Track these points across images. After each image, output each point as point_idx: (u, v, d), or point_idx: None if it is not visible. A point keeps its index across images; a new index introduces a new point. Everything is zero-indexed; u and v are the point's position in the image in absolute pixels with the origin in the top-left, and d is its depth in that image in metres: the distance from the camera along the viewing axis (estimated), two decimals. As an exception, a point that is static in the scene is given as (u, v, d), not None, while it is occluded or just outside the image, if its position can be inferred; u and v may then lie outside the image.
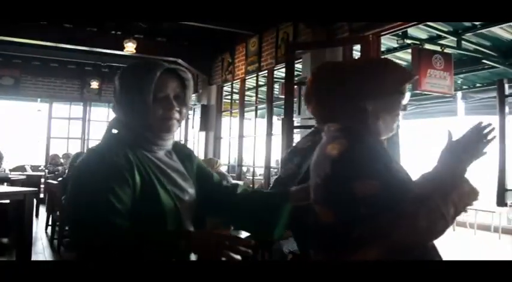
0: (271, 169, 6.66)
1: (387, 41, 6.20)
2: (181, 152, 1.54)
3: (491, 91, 7.80)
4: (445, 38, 6.04)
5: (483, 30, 5.77)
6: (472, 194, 1.19)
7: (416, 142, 10.61)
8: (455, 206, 1.15)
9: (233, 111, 8.08)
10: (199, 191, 1.51)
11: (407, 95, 1.40)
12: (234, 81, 7.81)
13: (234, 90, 8.03)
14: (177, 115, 1.38)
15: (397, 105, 1.37)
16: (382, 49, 5.91)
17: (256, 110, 7.95)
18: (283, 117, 4.34)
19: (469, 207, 1.21)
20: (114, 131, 1.41)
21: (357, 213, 1.19)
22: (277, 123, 6.69)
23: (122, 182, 1.26)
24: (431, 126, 11.35)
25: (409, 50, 6.34)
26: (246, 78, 7.48)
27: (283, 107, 4.44)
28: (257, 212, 1.53)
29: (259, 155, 7.23)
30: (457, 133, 1.26)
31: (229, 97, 8.63)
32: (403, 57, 7.08)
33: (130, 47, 7.20)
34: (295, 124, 4.33)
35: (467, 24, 5.67)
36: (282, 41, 6.23)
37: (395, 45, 6.41)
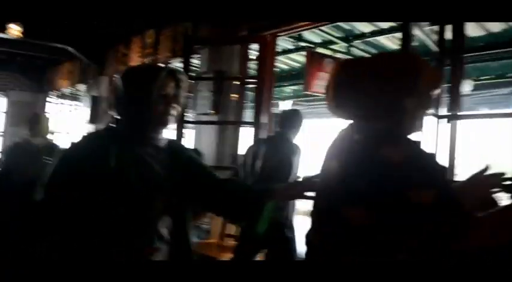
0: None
1: (283, 43, 6.36)
2: (170, 147, 1.68)
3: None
4: (336, 43, 6.33)
5: (370, 39, 6.13)
6: None
7: (308, 142, 11.06)
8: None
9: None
10: (190, 184, 1.67)
11: (437, 92, 1.38)
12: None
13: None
14: (173, 111, 1.58)
15: (428, 103, 1.37)
16: (278, 50, 6.06)
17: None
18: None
19: None
20: (111, 125, 1.61)
21: (406, 220, 1.16)
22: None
23: (98, 166, 1.43)
24: (320, 127, 11.91)
25: (303, 53, 6.56)
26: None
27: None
28: (243, 206, 1.68)
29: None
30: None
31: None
32: (297, 59, 7.32)
33: (15, 31, 6.65)
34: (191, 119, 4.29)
35: (357, 31, 6.00)
36: (180, 35, 6.13)
37: (291, 47, 6.61)
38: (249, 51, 4.94)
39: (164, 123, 1.59)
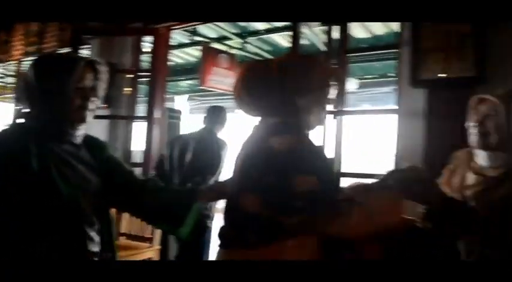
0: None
1: (178, 36, 6.28)
2: (92, 144, 1.59)
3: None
4: (231, 39, 6.38)
5: (264, 36, 6.26)
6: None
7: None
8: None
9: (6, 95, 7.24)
10: (110, 183, 1.56)
11: (333, 89, 1.51)
12: (9, 62, 6.97)
13: (9, 72, 7.19)
14: (91, 105, 1.47)
15: (324, 100, 1.49)
16: (173, 43, 5.97)
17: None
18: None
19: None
20: (20, 121, 1.46)
21: (294, 204, 1.26)
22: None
23: (16, 169, 1.32)
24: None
25: (199, 47, 6.53)
26: (24, 59, 6.76)
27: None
28: (165, 208, 1.61)
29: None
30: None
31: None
32: (192, 53, 7.27)
33: None
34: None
35: (251, 28, 6.09)
36: (68, 23, 5.80)
37: (186, 41, 6.55)
38: (142, 43, 4.82)
39: (82, 119, 1.46)
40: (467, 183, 1.68)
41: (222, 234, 1.47)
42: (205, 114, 3.78)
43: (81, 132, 1.51)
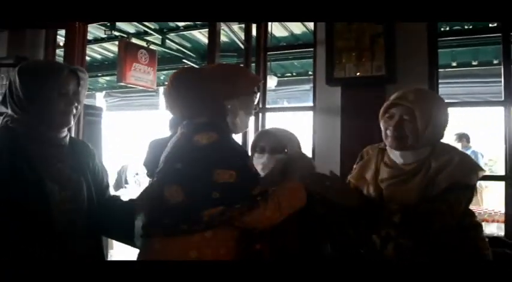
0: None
1: (95, 31, 6.09)
2: (79, 147, 1.66)
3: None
4: (151, 34, 6.29)
5: (185, 32, 6.23)
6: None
7: (120, 134, 10.81)
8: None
9: None
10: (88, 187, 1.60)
11: (257, 96, 1.67)
12: None
13: None
14: (74, 110, 1.55)
15: (250, 105, 1.63)
16: (90, 38, 5.79)
17: None
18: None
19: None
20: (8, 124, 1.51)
21: (212, 196, 1.38)
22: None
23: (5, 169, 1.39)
24: (135, 119, 11.69)
25: (117, 42, 6.37)
26: None
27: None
28: (122, 222, 1.64)
29: None
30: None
31: None
32: (110, 49, 7.08)
33: None
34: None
35: (172, 24, 6.04)
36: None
37: (104, 36, 6.36)
38: (57, 37, 4.63)
39: (65, 123, 1.54)
40: (383, 177, 1.75)
41: (144, 225, 1.52)
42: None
43: (64, 134, 1.59)
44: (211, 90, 1.54)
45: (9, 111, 1.52)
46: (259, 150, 1.85)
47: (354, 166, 1.94)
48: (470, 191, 1.65)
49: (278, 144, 1.82)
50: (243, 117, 1.61)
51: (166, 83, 1.65)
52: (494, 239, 2.21)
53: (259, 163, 1.82)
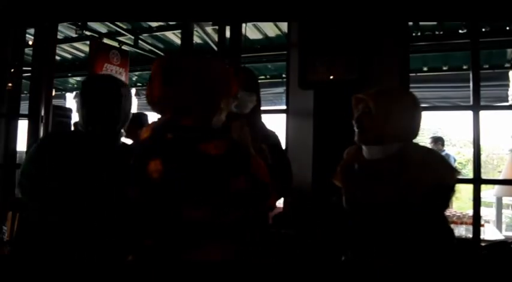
0: None
1: (65, 30, 5.97)
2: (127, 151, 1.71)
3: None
4: (123, 35, 6.20)
5: (158, 33, 6.17)
6: None
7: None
8: None
9: None
10: None
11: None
12: None
13: None
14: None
15: (231, 105, 1.66)
16: (60, 37, 5.68)
17: None
18: None
19: None
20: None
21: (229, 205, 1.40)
22: None
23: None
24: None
25: (88, 42, 6.26)
26: None
27: None
28: None
29: None
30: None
31: None
32: (81, 48, 6.96)
33: None
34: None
35: (144, 25, 5.97)
36: None
37: (74, 35, 6.24)
38: (26, 35, 4.53)
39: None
40: (357, 175, 1.80)
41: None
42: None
43: (119, 138, 1.89)
44: (218, 84, 1.51)
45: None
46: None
47: (338, 168, 1.97)
48: (453, 192, 1.69)
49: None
50: (222, 117, 1.59)
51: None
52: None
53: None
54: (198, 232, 1.37)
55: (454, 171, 1.68)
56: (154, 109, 1.55)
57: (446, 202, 1.69)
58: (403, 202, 1.63)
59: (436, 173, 1.63)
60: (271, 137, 2.06)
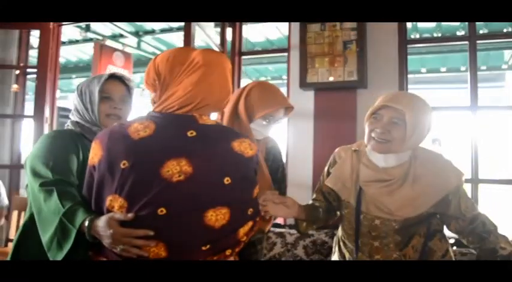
0: None
1: (70, 32, 6.05)
2: None
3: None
4: (127, 37, 6.27)
5: (160, 35, 6.23)
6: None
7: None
8: None
9: None
10: None
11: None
12: None
13: None
14: (118, 112, 1.75)
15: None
16: (64, 40, 5.75)
17: None
18: None
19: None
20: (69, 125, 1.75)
21: (247, 213, 1.36)
22: None
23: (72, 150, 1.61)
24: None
25: (92, 44, 6.33)
26: None
27: None
28: None
29: None
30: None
31: None
32: (85, 50, 7.03)
33: None
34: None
35: (147, 27, 6.04)
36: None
37: (79, 38, 6.32)
38: (31, 38, 4.59)
39: (108, 123, 1.69)
40: (365, 179, 1.71)
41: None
42: None
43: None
44: (231, 82, 1.45)
45: (71, 117, 1.75)
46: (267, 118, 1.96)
47: (325, 169, 1.95)
48: (462, 194, 1.68)
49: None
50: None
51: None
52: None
53: (263, 127, 1.94)
54: (215, 237, 1.27)
55: (462, 174, 1.66)
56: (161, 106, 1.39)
57: (457, 206, 1.65)
58: (417, 210, 1.63)
59: (447, 179, 1.63)
60: (269, 140, 2.07)
